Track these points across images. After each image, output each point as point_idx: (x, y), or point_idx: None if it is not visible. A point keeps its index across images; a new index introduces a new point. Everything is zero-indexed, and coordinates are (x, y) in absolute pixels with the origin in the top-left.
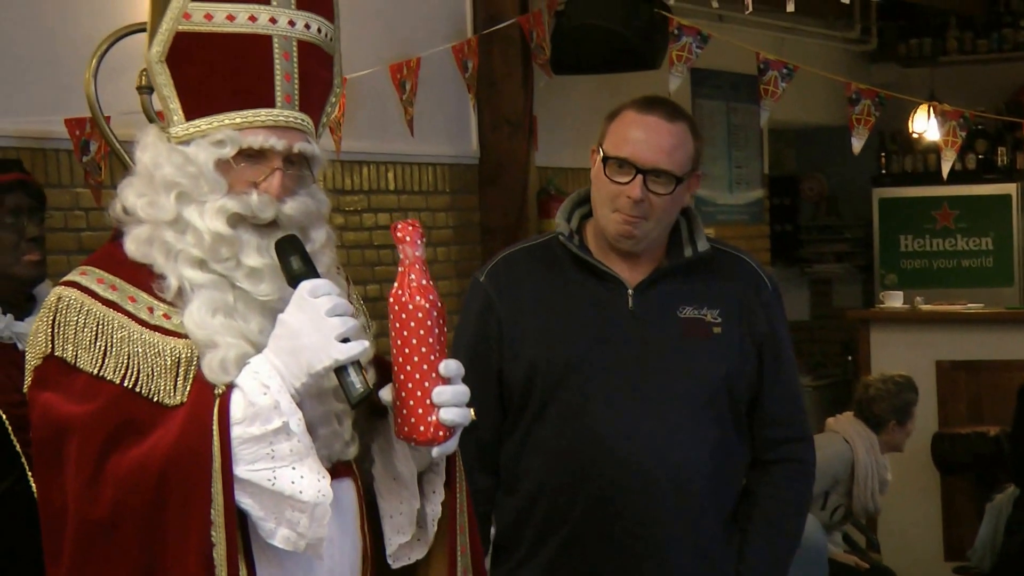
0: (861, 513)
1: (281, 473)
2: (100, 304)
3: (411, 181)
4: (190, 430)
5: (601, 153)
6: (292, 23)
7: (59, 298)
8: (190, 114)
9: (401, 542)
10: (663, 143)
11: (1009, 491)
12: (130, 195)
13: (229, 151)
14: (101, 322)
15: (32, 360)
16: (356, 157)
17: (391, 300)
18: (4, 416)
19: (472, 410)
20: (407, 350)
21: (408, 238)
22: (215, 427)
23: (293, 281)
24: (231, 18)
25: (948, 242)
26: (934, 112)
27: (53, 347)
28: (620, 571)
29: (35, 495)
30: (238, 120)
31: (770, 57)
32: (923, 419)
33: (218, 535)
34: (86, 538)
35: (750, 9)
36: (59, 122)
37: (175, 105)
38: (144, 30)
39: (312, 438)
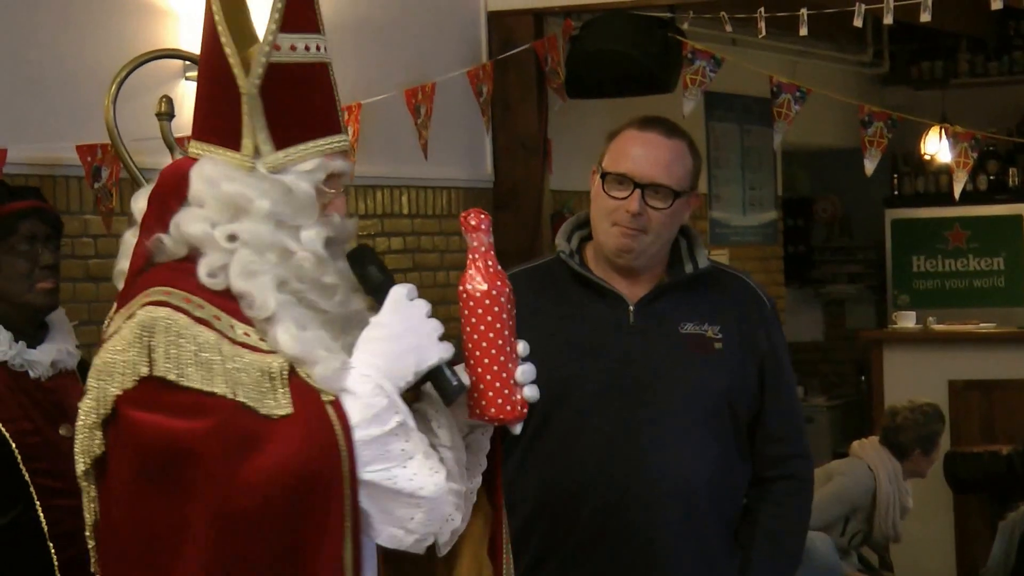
0: (881, 539)
1: (397, 472)
2: (193, 322)
3: (425, 205)
4: (314, 439)
5: (600, 171)
6: (327, 49)
7: (152, 317)
8: (281, 144)
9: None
10: (660, 158)
11: (1022, 509)
12: (194, 224)
13: (321, 176)
14: (198, 340)
15: (119, 383)
16: (370, 182)
17: (468, 288)
18: (14, 445)
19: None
20: (491, 334)
21: (482, 225)
22: (339, 433)
23: (375, 290)
24: (308, 48)
25: (960, 262)
26: (946, 134)
27: (152, 368)
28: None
29: (41, 523)
30: (325, 147)
31: (783, 80)
32: None
33: (346, 541)
34: (227, 532)
35: (763, 33)
36: (70, 148)
37: (264, 136)
38: (160, 57)
39: None
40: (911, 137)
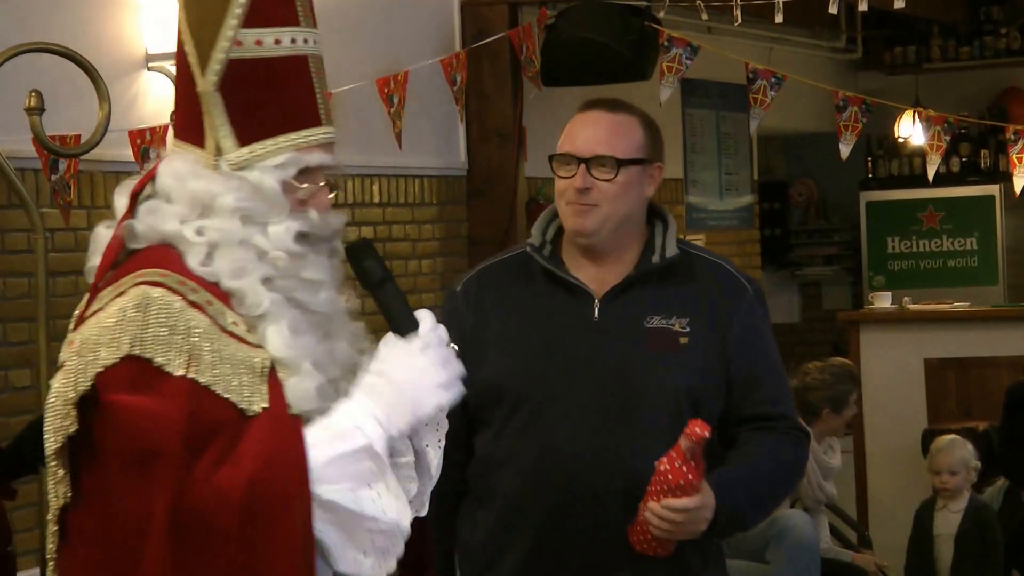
0: (813, 505)
1: (363, 493)
2: (188, 305)
3: (397, 193)
4: (279, 445)
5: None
6: (316, 42)
7: (147, 296)
8: (244, 140)
9: None
10: (600, 132)
11: (998, 484)
12: (166, 220)
13: (292, 172)
14: (190, 324)
15: (102, 359)
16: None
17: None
18: None
19: None
20: None
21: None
22: (295, 447)
23: (373, 286)
24: (278, 42)
25: (934, 243)
26: (919, 117)
27: (140, 348)
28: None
29: None
30: (297, 141)
31: (759, 67)
32: (913, 416)
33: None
34: (185, 529)
35: (739, 20)
36: (26, 141)
37: (226, 132)
38: (38, 51)
39: None
40: (885, 121)
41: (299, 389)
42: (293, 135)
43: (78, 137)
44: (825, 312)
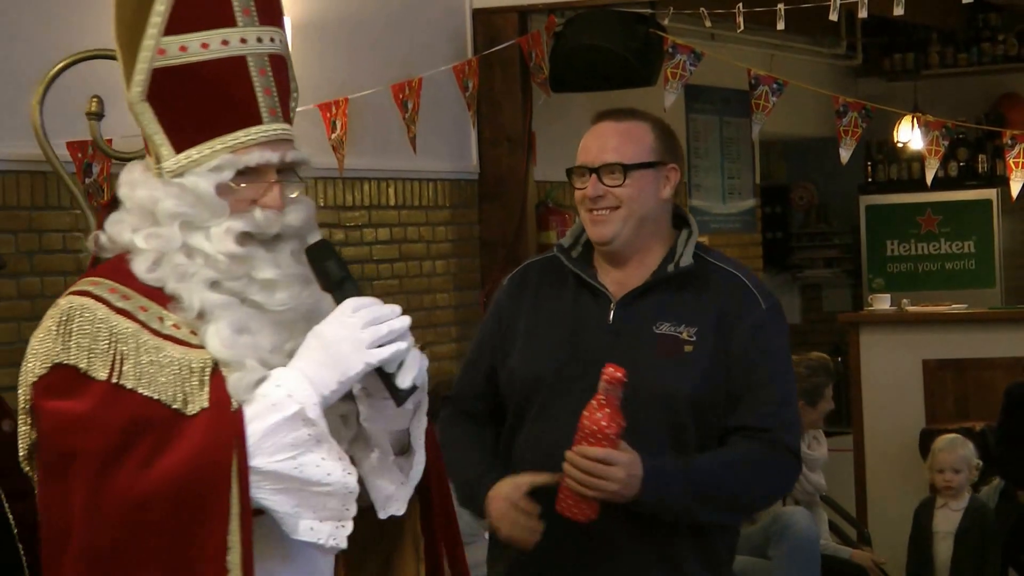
0: (803, 497)
1: (304, 459)
2: (112, 312)
3: (412, 196)
4: (208, 439)
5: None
6: (260, 39)
7: (70, 306)
8: (179, 147)
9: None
10: (609, 141)
11: (994, 483)
12: (123, 230)
13: (228, 174)
14: (115, 330)
15: (36, 369)
16: (357, 174)
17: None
18: None
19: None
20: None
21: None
22: (234, 438)
23: (332, 287)
24: (205, 46)
25: (932, 246)
26: (918, 123)
27: (65, 355)
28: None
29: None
30: (232, 143)
31: (761, 73)
32: (911, 416)
33: (233, 539)
34: (93, 562)
35: (742, 27)
36: (60, 145)
37: (162, 140)
38: (96, 57)
39: None
40: (884, 126)
41: (241, 384)
42: (227, 137)
43: (110, 141)
44: (825, 314)
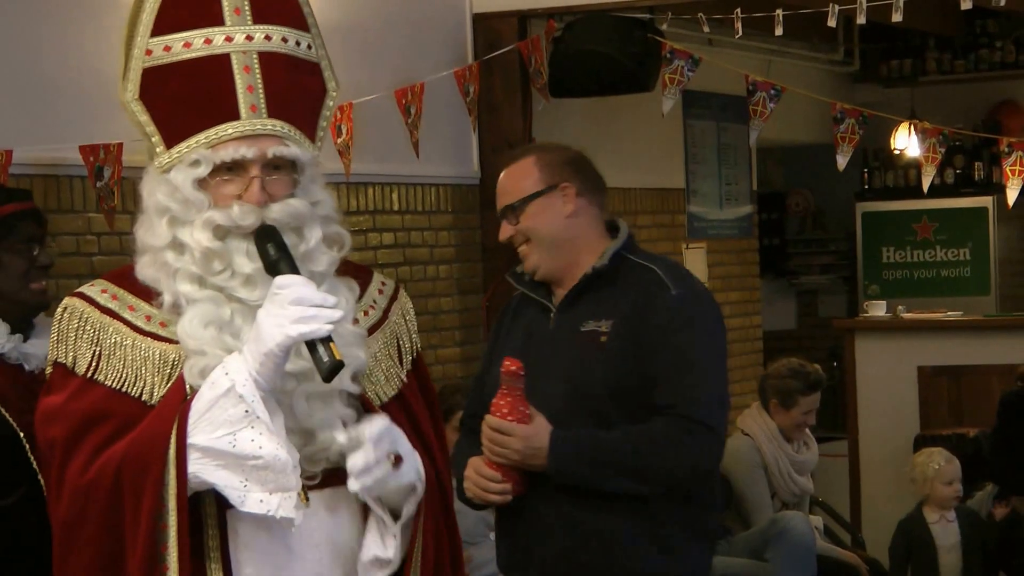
0: (789, 499)
1: (240, 435)
2: (98, 311)
3: (415, 201)
4: (152, 423)
5: None
6: (250, 37)
7: (64, 308)
8: (170, 142)
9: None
10: (502, 187)
11: (987, 489)
12: (140, 231)
13: (204, 169)
14: (97, 328)
15: (47, 369)
16: (362, 179)
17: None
18: (22, 435)
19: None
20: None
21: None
22: (176, 418)
23: (269, 269)
24: (188, 45)
25: (928, 253)
26: (915, 130)
27: (57, 354)
28: (524, 556)
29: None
30: (209, 138)
31: (758, 79)
32: (906, 421)
33: (171, 519)
34: (60, 537)
35: (739, 33)
36: (73, 149)
37: (157, 138)
38: None
39: (312, 443)
40: (881, 133)
41: (194, 369)
42: (206, 133)
43: (121, 145)
44: (821, 320)
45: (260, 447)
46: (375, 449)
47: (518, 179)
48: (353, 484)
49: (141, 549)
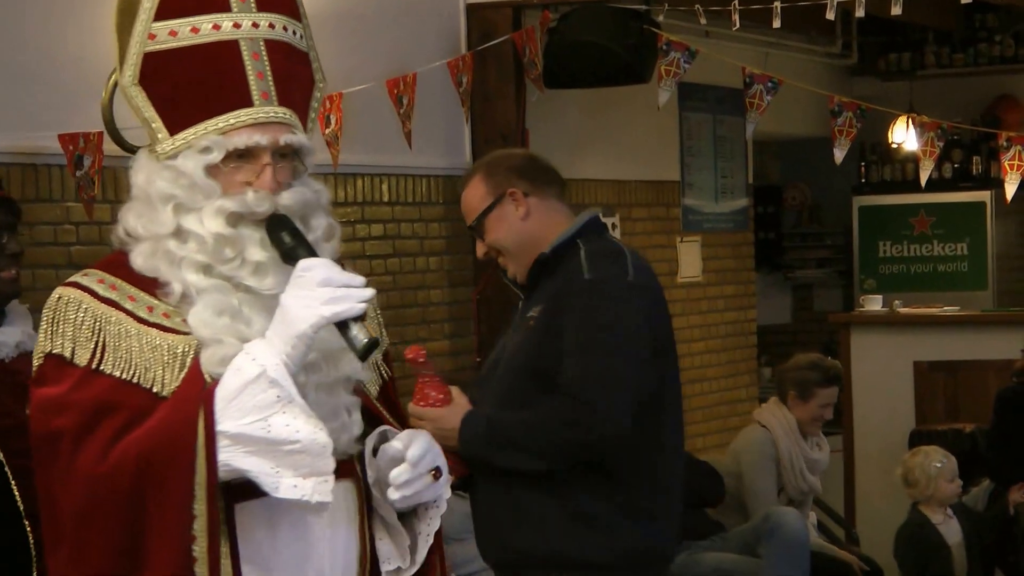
0: (796, 495)
1: (274, 420)
2: (98, 302)
3: (405, 192)
4: (172, 412)
5: None
6: (256, 25)
7: (59, 298)
8: (173, 129)
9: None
10: (463, 210)
11: (984, 485)
12: (130, 219)
13: (216, 156)
14: (99, 318)
15: (35, 360)
16: (351, 170)
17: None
18: None
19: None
20: None
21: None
22: (200, 406)
23: (286, 256)
24: (195, 30)
25: (925, 248)
26: (913, 123)
27: (52, 345)
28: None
29: (16, 502)
30: (220, 124)
31: (755, 71)
32: (902, 417)
33: (200, 507)
34: (72, 528)
35: (737, 25)
36: (52, 137)
37: (157, 124)
38: None
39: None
40: (879, 127)
41: (214, 358)
42: (217, 119)
43: (101, 134)
44: (817, 314)
45: (297, 431)
46: (419, 467)
47: (471, 198)
48: (393, 494)
49: (169, 539)
